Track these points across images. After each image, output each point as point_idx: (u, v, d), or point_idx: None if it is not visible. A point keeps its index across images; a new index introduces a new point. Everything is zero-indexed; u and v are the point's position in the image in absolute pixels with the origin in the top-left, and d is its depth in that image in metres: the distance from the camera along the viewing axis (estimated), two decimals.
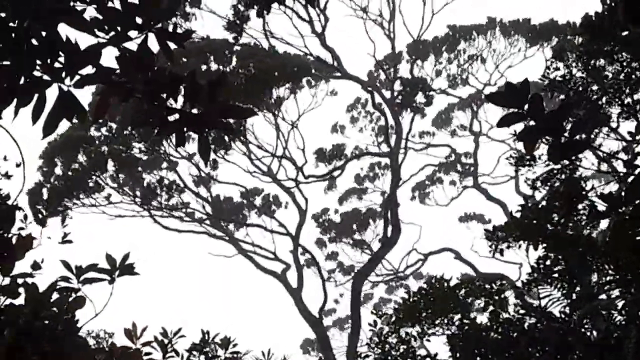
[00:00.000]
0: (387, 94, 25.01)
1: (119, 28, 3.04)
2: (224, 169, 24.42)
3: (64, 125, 21.77)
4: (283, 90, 23.26)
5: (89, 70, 2.78)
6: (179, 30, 3.34)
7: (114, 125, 21.70)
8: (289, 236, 24.90)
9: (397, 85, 24.56)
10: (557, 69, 10.52)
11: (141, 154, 22.30)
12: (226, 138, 21.33)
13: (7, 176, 4.78)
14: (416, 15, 25.28)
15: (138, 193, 22.76)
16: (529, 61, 25.80)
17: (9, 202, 4.09)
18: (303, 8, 21.14)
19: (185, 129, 2.92)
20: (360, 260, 27.77)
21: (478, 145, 28.76)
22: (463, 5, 36.45)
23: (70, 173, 20.91)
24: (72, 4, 2.94)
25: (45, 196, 20.12)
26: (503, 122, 3.12)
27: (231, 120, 2.95)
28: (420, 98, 23.70)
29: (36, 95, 2.72)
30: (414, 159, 30.35)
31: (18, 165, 4.81)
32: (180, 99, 3.05)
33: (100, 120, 21.37)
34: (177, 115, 2.90)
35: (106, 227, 24.73)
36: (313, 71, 23.50)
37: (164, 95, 2.95)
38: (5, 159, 4.61)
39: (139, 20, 3.09)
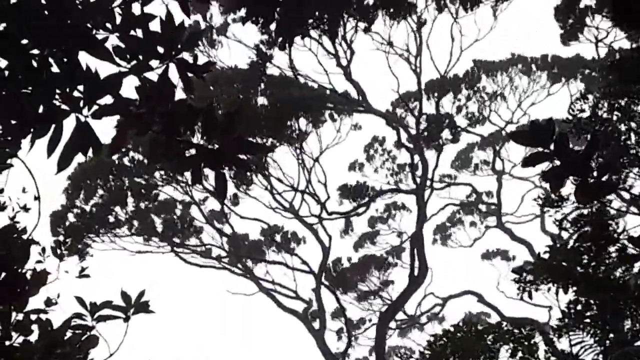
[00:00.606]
0: (412, 130, 24.92)
1: (140, 57, 3.00)
2: (246, 204, 24.31)
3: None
4: (306, 123, 23.28)
5: (107, 100, 2.73)
6: (200, 61, 3.30)
7: (136, 156, 21.84)
8: (312, 274, 24.60)
9: (422, 121, 24.46)
10: (582, 110, 10.38)
11: (162, 187, 22.39)
12: (247, 173, 21.32)
13: (25, 209, 4.73)
14: (444, 51, 25.21)
15: (158, 229, 22.77)
16: (553, 98, 25.56)
17: (25, 236, 4.03)
18: (329, 40, 21.26)
19: (201, 165, 2.83)
20: (376, 309, 27.12)
21: (501, 184, 28.35)
22: (493, 42, 36.52)
23: (90, 208, 21.03)
24: (93, 31, 2.91)
25: (65, 228, 20.22)
26: (528, 162, 3.08)
27: (250, 156, 2.88)
28: (446, 134, 23.56)
29: (53, 126, 2.66)
30: (434, 199, 30.06)
31: (36, 198, 4.78)
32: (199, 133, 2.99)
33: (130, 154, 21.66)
34: (193, 150, 2.82)
35: (126, 262, 24.77)
36: (337, 105, 23.52)
37: (182, 129, 2.89)
38: (23, 191, 4.56)
39: (160, 50, 3.06)
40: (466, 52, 24.35)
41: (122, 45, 2.97)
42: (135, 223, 22.23)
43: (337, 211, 24.78)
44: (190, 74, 3.21)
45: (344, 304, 25.38)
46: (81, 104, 2.64)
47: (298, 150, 23.69)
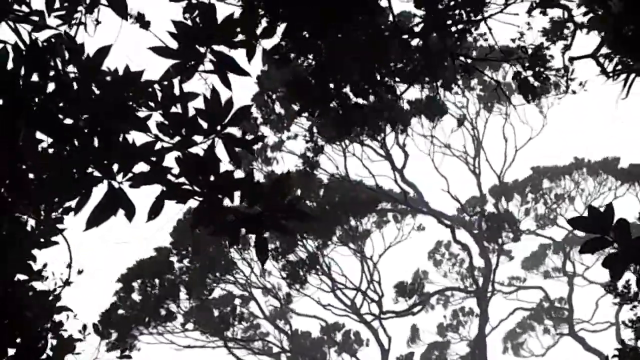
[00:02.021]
0: (472, 232, 24.42)
1: (183, 132, 3.04)
2: (303, 301, 23.90)
3: (146, 253, 22.44)
4: (366, 223, 23.24)
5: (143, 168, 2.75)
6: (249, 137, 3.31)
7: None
8: None
9: (484, 222, 23.97)
10: None
11: (217, 285, 22.40)
12: (301, 272, 21.22)
13: (68, 283, 4.77)
14: (499, 151, 25.18)
15: (213, 324, 22.52)
16: (621, 200, 24.64)
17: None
18: (378, 144, 21.63)
19: (241, 229, 2.77)
20: None
21: (572, 289, 26.95)
22: (546, 140, 36.26)
23: (141, 300, 21.11)
24: (135, 107, 2.98)
25: (116, 320, 20.30)
26: (587, 249, 3.02)
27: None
28: (507, 234, 22.86)
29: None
30: (503, 304, 28.67)
31: (80, 273, 4.83)
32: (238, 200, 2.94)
33: (183, 251, 21.99)
34: (232, 216, 2.76)
35: (174, 357, 24.40)
36: (395, 206, 23.48)
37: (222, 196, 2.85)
38: (68, 266, 4.61)
39: (204, 125, 3.09)
40: (521, 151, 24.31)
41: (165, 122, 3.03)
42: (188, 318, 22.14)
43: (393, 310, 23.95)
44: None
45: None
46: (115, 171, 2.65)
47: (359, 250, 23.54)
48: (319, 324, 25.23)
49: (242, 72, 3.27)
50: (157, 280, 21.39)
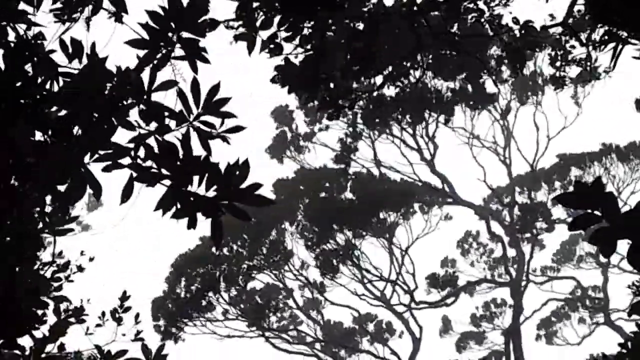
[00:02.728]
0: (505, 222, 24.24)
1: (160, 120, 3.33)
2: (336, 291, 24.18)
3: (191, 243, 23.24)
4: (395, 215, 23.33)
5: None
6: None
7: (234, 247, 22.70)
8: None
9: (515, 212, 23.75)
10: None
11: (256, 274, 22.92)
12: (334, 262, 21.50)
13: (80, 269, 5.15)
14: (531, 141, 24.82)
15: (250, 314, 23.05)
16: None
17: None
18: (411, 137, 21.72)
19: (197, 212, 3.03)
20: None
21: (607, 278, 26.39)
22: (582, 129, 35.38)
23: (185, 293, 21.85)
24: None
25: (167, 308, 21.10)
26: (575, 225, 2.86)
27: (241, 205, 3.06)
28: (540, 224, 22.59)
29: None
30: (536, 294, 28.24)
31: (91, 260, 5.20)
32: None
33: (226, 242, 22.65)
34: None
35: (216, 346, 25.06)
36: (424, 197, 23.50)
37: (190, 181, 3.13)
38: (82, 253, 4.98)
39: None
40: (554, 140, 23.92)
41: (145, 110, 3.33)
42: (228, 308, 22.73)
43: (425, 301, 23.99)
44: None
45: None
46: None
47: (388, 242, 23.66)
48: (351, 315, 25.50)
49: (204, 60, 3.49)
50: (200, 270, 22.12)
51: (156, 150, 3.22)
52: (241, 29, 6.25)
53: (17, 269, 3.63)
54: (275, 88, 7.29)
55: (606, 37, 5.75)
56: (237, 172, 3.06)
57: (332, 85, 6.94)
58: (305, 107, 23.03)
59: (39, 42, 3.29)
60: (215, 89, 3.38)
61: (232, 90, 3.47)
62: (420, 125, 21.50)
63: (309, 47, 6.59)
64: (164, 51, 3.48)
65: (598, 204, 2.76)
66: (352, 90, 7.25)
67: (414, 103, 17.82)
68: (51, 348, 3.86)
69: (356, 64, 6.79)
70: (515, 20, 7.45)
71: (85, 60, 3.29)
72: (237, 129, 3.46)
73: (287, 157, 24.87)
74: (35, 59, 3.23)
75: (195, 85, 3.38)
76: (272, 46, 6.07)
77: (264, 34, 6.20)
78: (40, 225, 4.20)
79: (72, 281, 5.10)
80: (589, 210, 2.78)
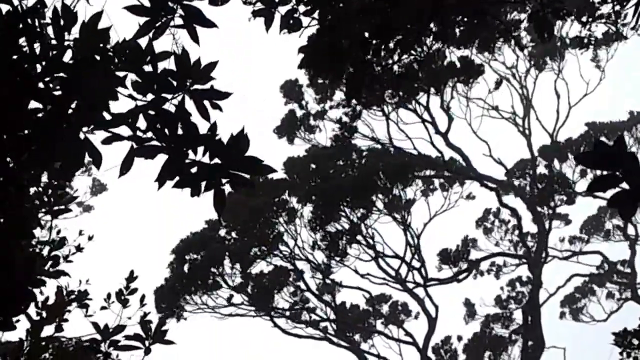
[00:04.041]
0: (524, 196, 24.16)
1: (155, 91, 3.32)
2: (347, 272, 24.29)
3: (197, 225, 23.48)
4: (412, 191, 23.35)
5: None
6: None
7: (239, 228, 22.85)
8: (415, 347, 23.79)
9: (536, 184, 23.64)
10: None
11: (261, 258, 23.10)
12: (340, 243, 21.57)
13: (79, 249, 5.19)
14: (551, 109, 24.55)
15: (257, 294, 23.24)
16: None
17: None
18: (423, 108, 21.59)
19: (202, 181, 3.04)
20: None
21: (635, 252, 26.32)
22: (604, 96, 34.98)
23: (190, 269, 22.04)
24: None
25: (168, 290, 21.35)
26: (594, 187, 2.80)
27: (248, 176, 3.06)
28: (560, 197, 22.50)
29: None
30: (559, 269, 28.18)
31: (90, 239, 5.22)
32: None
33: (230, 224, 22.83)
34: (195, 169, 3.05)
35: (221, 326, 25.40)
36: (441, 172, 23.46)
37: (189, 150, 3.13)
38: (80, 233, 5.01)
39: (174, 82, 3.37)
40: (575, 108, 23.65)
41: (140, 80, 3.32)
42: (235, 290, 22.96)
43: (437, 277, 24.01)
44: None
45: None
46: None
47: (403, 220, 23.65)
48: (362, 296, 25.58)
49: (209, 24, 3.49)
50: (205, 251, 22.32)
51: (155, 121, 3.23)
52: (259, 5, 6.32)
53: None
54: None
55: None
56: (239, 143, 3.07)
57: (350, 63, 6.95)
58: (315, 84, 22.87)
59: (39, 10, 3.27)
60: (199, 60, 3.38)
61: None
62: (435, 97, 21.36)
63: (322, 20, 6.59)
64: (163, 19, 3.47)
65: (619, 164, 2.70)
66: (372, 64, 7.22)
67: (430, 74, 17.70)
68: (50, 331, 3.91)
69: (376, 36, 6.75)
70: None
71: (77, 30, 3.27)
72: (226, 94, 3.45)
73: (297, 138, 24.83)
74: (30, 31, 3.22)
75: (185, 54, 3.37)
76: (290, 21, 6.12)
77: (282, 10, 6.26)
78: (37, 203, 4.23)
79: (70, 261, 5.14)
80: (610, 172, 2.71)
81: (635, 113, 24.33)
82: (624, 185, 2.75)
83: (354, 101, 20.25)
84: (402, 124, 22.36)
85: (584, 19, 13.21)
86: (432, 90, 20.17)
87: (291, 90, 24.68)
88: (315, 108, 24.49)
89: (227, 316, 23.33)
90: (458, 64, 19.73)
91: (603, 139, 24.65)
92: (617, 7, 10.67)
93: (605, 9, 11.90)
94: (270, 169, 3.12)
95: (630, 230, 26.99)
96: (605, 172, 2.77)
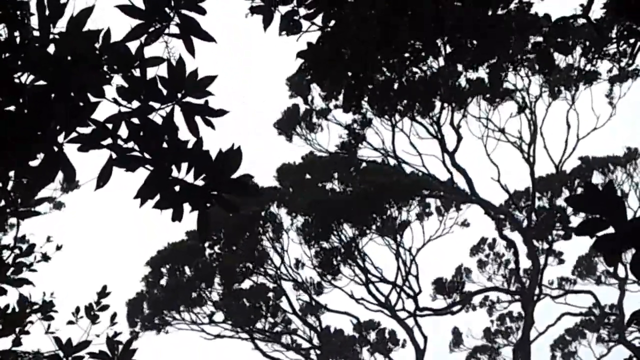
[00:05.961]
0: (520, 227, 24.05)
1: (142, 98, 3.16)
2: (335, 295, 24.03)
3: (176, 236, 23.16)
4: (407, 212, 23.17)
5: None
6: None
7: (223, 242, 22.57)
8: None
9: (533, 216, 23.58)
10: None
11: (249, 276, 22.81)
12: (334, 261, 21.29)
13: (46, 258, 4.98)
14: (559, 139, 24.51)
15: (239, 314, 22.91)
16: None
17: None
18: (432, 125, 21.39)
19: (184, 202, 2.87)
20: None
21: (624, 294, 26.30)
22: (612, 130, 35.19)
23: (173, 282, 21.67)
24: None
25: (145, 308, 20.95)
26: (581, 230, 2.80)
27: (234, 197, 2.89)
28: (557, 231, 22.43)
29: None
30: (550, 307, 28.23)
31: (58, 249, 5.05)
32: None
33: (213, 236, 22.47)
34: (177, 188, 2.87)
35: (203, 346, 25.12)
36: (440, 193, 23.30)
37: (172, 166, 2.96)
38: (48, 240, 4.82)
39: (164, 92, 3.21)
40: (583, 141, 23.67)
41: (126, 85, 3.16)
42: (218, 307, 22.62)
43: (430, 307, 23.78)
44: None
45: None
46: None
47: (396, 243, 23.42)
48: (350, 321, 25.31)
49: (207, 38, 3.35)
50: (188, 265, 21.95)
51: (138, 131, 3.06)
52: (258, 1, 6.15)
53: None
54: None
55: (625, 33, 5.69)
56: (229, 161, 2.90)
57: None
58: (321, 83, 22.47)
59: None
60: (195, 71, 3.22)
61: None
62: (445, 113, 21.07)
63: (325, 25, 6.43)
64: (157, 26, 3.32)
65: (607, 209, 2.73)
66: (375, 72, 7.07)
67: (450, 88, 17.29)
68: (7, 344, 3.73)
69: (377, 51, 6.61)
70: (547, 17, 7.25)
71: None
72: (221, 112, 3.29)
73: (296, 135, 24.12)
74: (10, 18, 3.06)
75: (180, 63, 3.21)
76: (290, 23, 5.94)
77: (282, 10, 6.10)
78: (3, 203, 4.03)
79: (34, 270, 4.91)
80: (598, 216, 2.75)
81: (632, 149, 24.39)
82: (612, 229, 2.77)
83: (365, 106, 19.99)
84: (413, 137, 21.94)
85: (589, 55, 13.26)
86: (454, 105, 19.88)
87: (298, 84, 23.90)
88: (321, 105, 23.89)
89: (215, 337, 22.98)
90: (487, 80, 19.44)
91: (596, 173, 24.76)
92: (624, 47, 10.69)
93: (612, 48, 11.94)
94: (256, 192, 3.00)
95: (621, 270, 26.92)
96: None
